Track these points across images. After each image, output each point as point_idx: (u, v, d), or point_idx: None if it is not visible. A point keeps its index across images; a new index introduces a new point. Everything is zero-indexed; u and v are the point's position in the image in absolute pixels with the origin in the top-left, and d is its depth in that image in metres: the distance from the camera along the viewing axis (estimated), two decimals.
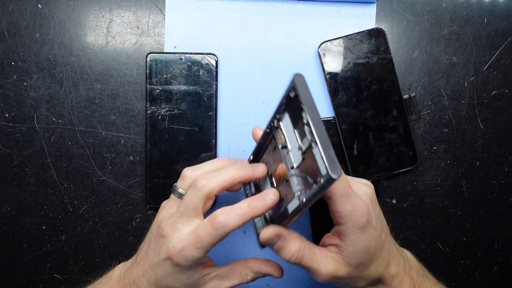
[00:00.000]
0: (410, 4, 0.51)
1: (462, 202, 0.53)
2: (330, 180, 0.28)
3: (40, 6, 0.50)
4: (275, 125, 0.36)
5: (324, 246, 0.38)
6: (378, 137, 0.50)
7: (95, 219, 0.52)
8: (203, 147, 0.50)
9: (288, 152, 0.34)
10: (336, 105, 0.50)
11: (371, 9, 0.51)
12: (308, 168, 0.31)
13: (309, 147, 0.30)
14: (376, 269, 0.37)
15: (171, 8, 0.51)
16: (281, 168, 0.36)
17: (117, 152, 0.51)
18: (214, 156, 0.50)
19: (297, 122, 0.32)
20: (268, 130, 0.37)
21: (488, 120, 0.53)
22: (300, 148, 0.32)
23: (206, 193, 0.36)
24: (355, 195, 0.35)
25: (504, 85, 0.52)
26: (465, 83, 0.52)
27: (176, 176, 0.50)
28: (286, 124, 0.34)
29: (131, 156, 0.51)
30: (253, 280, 0.39)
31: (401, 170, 0.51)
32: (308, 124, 0.30)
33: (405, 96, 0.51)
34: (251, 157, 0.41)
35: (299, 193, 0.33)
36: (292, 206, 0.33)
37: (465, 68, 0.52)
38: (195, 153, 0.50)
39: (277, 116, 0.35)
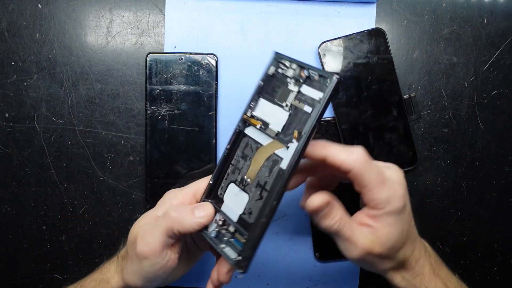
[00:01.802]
0: (410, 4, 0.51)
1: (462, 202, 0.53)
2: (335, 79, 0.32)
3: (40, 6, 0.50)
4: (249, 115, 0.36)
5: (357, 223, 0.37)
6: (378, 137, 0.50)
7: (95, 219, 0.52)
8: (203, 147, 0.50)
9: (268, 127, 0.35)
10: (336, 105, 0.50)
11: (371, 9, 0.51)
12: (297, 120, 0.34)
13: (299, 93, 0.34)
14: (405, 252, 0.37)
15: (171, 8, 0.51)
16: (256, 160, 0.36)
17: (117, 152, 0.51)
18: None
19: (275, 92, 0.35)
20: (238, 129, 0.37)
21: (488, 120, 0.53)
22: (287, 106, 0.35)
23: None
24: (390, 180, 0.35)
25: (504, 85, 0.52)
26: (465, 83, 0.52)
27: (176, 176, 0.50)
28: (262, 106, 0.36)
29: (131, 156, 0.51)
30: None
31: None
32: (301, 66, 0.35)
33: (405, 96, 0.51)
34: (211, 182, 0.38)
35: (293, 140, 0.33)
36: (286, 158, 0.33)
37: (465, 68, 0.52)
38: (195, 153, 0.50)
39: (252, 104, 0.36)
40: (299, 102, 0.34)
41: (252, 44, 0.51)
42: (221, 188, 0.38)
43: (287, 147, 0.33)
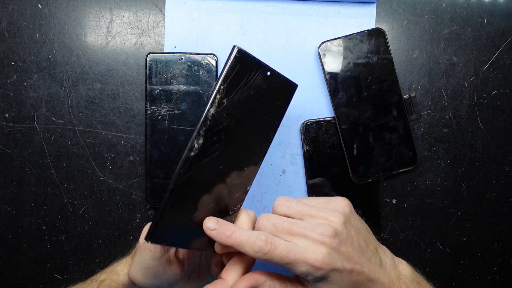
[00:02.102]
0: (410, 4, 0.51)
1: (462, 202, 0.53)
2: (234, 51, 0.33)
3: (40, 6, 0.50)
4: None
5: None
6: (378, 137, 0.50)
7: (95, 219, 0.52)
8: None
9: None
10: (336, 105, 0.50)
11: (371, 9, 0.51)
12: None
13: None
14: None
15: (171, 8, 0.51)
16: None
17: (117, 152, 0.51)
18: None
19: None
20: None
21: (488, 120, 0.53)
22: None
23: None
24: (305, 251, 0.33)
25: (504, 85, 0.52)
26: (465, 83, 0.52)
27: None
28: None
29: (131, 156, 0.51)
30: None
31: (401, 170, 0.51)
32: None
33: (405, 96, 0.51)
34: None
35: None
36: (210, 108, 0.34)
37: (465, 68, 0.52)
38: None
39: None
40: None
41: (252, 44, 0.51)
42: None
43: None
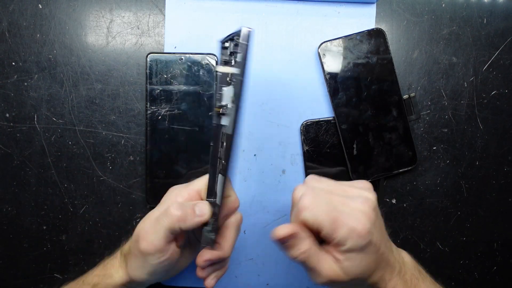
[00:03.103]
0: (410, 5, 0.52)
1: (462, 202, 0.53)
2: (245, 33, 0.34)
3: (40, 7, 0.50)
4: (218, 106, 0.37)
5: (326, 251, 0.37)
6: (378, 137, 0.50)
7: (95, 219, 0.52)
8: (203, 147, 0.50)
9: (227, 107, 0.36)
10: (336, 105, 0.50)
11: (371, 9, 0.51)
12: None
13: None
14: (373, 278, 0.37)
15: (171, 8, 0.51)
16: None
17: (117, 152, 0.51)
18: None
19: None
20: (215, 124, 0.37)
21: (487, 120, 0.53)
22: (229, 79, 0.36)
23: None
24: (347, 216, 0.35)
25: (503, 85, 0.52)
26: (465, 83, 0.52)
27: (176, 176, 0.50)
28: (226, 93, 0.36)
29: (131, 156, 0.51)
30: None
31: (400, 170, 0.51)
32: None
33: (405, 96, 0.51)
34: (209, 183, 0.40)
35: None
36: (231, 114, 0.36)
37: (465, 68, 0.52)
38: (195, 153, 0.50)
39: (218, 95, 0.37)
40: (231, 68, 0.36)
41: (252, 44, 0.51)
42: (217, 183, 0.39)
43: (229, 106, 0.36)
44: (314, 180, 0.39)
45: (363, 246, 0.34)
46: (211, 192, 0.39)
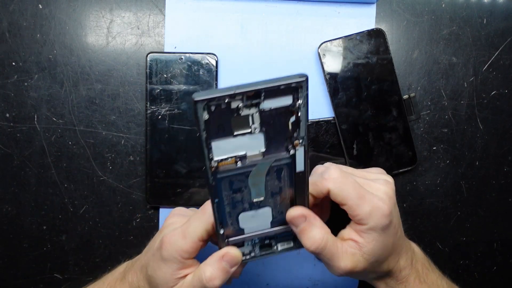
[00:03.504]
0: (410, 5, 0.52)
1: (462, 202, 0.53)
2: (303, 80, 0.28)
3: (40, 7, 0.50)
4: (215, 164, 0.32)
5: (343, 239, 0.37)
6: (377, 137, 0.51)
7: (95, 219, 0.52)
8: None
9: (246, 157, 0.32)
10: (336, 105, 0.50)
11: (371, 10, 0.51)
12: (275, 132, 0.31)
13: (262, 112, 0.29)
14: (388, 264, 0.37)
15: (171, 8, 0.51)
16: (255, 182, 0.34)
17: (117, 152, 0.51)
18: None
19: (227, 127, 0.30)
20: (213, 183, 0.33)
21: (487, 120, 0.53)
22: (255, 128, 0.30)
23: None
24: (372, 195, 0.35)
25: (503, 85, 0.52)
26: (465, 84, 0.52)
27: (176, 176, 0.50)
28: (220, 147, 0.31)
29: (131, 156, 0.51)
30: (215, 276, 0.36)
31: (400, 170, 0.51)
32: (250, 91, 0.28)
33: (405, 96, 0.51)
34: (221, 232, 0.36)
35: (292, 150, 0.32)
36: (299, 161, 0.32)
37: (465, 68, 0.52)
38: (195, 153, 0.50)
39: (210, 156, 0.31)
40: (266, 119, 0.30)
41: (252, 44, 0.51)
42: (231, 224, 0.36)
43: (290, 155, 0.32)
44: (334, 164, 0.39)
45: (385, 226, 0.35)
46: (223, 237, 0.36)
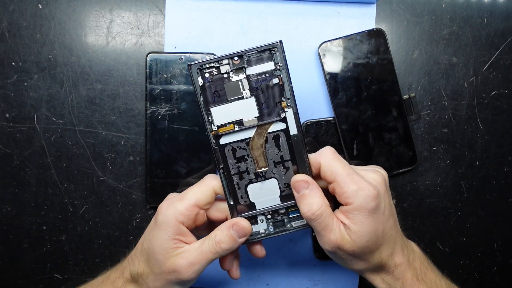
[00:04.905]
0: (410, 5, 0.52)
1: (462, 202, 0.53)
2: (278, 42, 0.35)
3: (40, 7, 0.50)
4: (216, 129, 0.37)
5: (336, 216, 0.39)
6: (377, 137, 0.50)
7: (95, 219, 0.52)
8: (203, 147, 0.50)
9: (243, 122, 0.37)
10: (336, 105, 0.50)
11: (371, 10, 0.51)
12: (267, 96, 0.36)
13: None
14: (380, 255, 0.38)
15: (171, 8, 0.51)
16: (256, 152, 0.38)
17: (117, 152, 0.51)
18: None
19: (222, 94, 0.36)
20: (215, 146, 0.38)
21: (487, 121, 0.53)
22: (246, 94, 0.36)
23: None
24: (360, 177, 0.36)
25: (503, 86, 0.52)
26: (465, 84, 0.52)
27: (176, 176, 0.50)
28: (218, 112, 0.37)
29: (131, 156, 0.51)
30: (223, 240, 0.38)
31: (400, 170, 0.51)
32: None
33: (405, 97, 0.51)
34: (231, 202, 0.40)
35: (282, 112, 0.36)
36: (291, 123, 0.37)
37: (465, 68, 0.52)
38: (195, 153, 0.50)
39: (209, 120, 0.37)
40: (254, 85, 0.36)
41: (252, 44, 0.51)
42: (241, 197, 0.39)
43: (282, 118, 0.36)
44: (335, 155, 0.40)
45: (371, 209, 0.35)
46: (234, 210, 0.40)
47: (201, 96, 0.36)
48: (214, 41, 0.51)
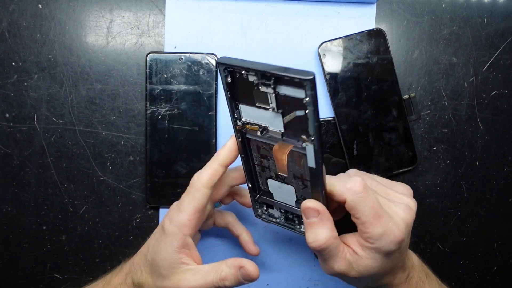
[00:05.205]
0: (410, 5, 0.52)
1: (462, 202, 0.53)
2: (308, 79, 0.28)
3: (40, 7, 0.50)
4: (241, 124, 0.35)
5: (345, 243, 0.37)
6: (378, 137, 0.50)
7: (95, 219, 0.52)
8: (203, 146, 0.50)
9: (268, 130, 0.35)
10: (336, 105, 0.50)
11: (371, 10, 0.51)
12: (293, 124, 0.33)
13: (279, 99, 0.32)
14: (382, 281, 0.37)
15: (171, 8, 0.51)
16: (278, 158, 0.36)
17: (117, 152, 0.51)
18: None
19: (250, 96, 0.33)
20: (240, 138, 0.37)
21: (487, 121, 0.53)
22: (273, 108, 0.33)
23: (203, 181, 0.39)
24: (388, 217, 0.34)
25: (503, 86, 0.52)
26: (465, 84, 0.52)
27: (176, 176, 0.50)
28: (246, 111, 0.35)
29: (131, 156, 0.51)
30: (228, 278, 0.37)
31: (400, 170, 0.51)
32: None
33: (405, 97, 0.51)
34: (250, 185, 0.40)
35: (304, 143, 0.33)
36: (310, 157, 0.33)
37: (465, 68, 0.52)
38: (195, 153, 0.50)
39: (235, 114, 0.35)
40: (283, 103, 0.32)
41: (252, 44, 0.51)
42: (261, 184, 0.39)
43: (303, 146, 0.33)
44: (359, 173, 0.38)
45: (391, 251, 0.34)
46: (254, 191, 0.40)
47: (228, 93, 0.34)
48: (214, 41, 0.51)
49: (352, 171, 0.39)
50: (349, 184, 0.34)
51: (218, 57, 0.33)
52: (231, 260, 0.37)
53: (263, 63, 0.31)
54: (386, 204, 0.35)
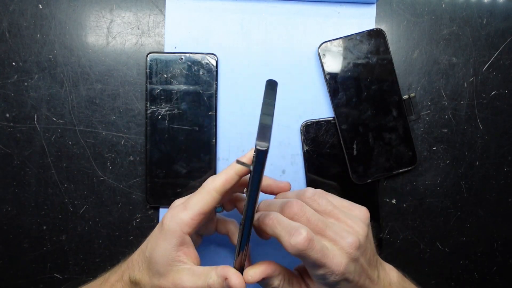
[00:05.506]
0: (410, 5, 0.52)
1: (462, 202, 0.53)
2: (257, 149, 0.30)
3: (41, 7, 0.50)
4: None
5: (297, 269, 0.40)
6: (377, 137, 0.51)
7: (95, 219, 0.52)
8: (203, 147, 0.50)
9: None
10: (336, 105, 0.50)
11: (371, 10, 0.51)
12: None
13: None
14: None
15: (171, 8, 0.51)
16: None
17: (117, 152, 0.51)
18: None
19: None
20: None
21: (487, 121, 0.53)
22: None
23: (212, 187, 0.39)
24: (331, 255, 0.34)
25: (503, 86, 0.52)
26: (465, 84, 0.52)
27: (176, 175, 0.50)
28: None
29: (131, 156, 0.51)
30: (214, 287, 0.37)
31: (400, 170, 0.51)
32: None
33: (405, 97, 0.51)
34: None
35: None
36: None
37: (465, 68, 0.52)
38: (195, 153, 0.50)
39: None
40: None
41: (252, 44, 0.51)
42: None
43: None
44: (312, 202, 0.38)
45: (336, 282, 0.35)
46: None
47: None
48: (214, 41, 0.51)
49: (309, 192, 0.39)
50: (294, 240, 0.34)
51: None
52: (221, 268, 0.37)
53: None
54: (332, 236, 0.36)
